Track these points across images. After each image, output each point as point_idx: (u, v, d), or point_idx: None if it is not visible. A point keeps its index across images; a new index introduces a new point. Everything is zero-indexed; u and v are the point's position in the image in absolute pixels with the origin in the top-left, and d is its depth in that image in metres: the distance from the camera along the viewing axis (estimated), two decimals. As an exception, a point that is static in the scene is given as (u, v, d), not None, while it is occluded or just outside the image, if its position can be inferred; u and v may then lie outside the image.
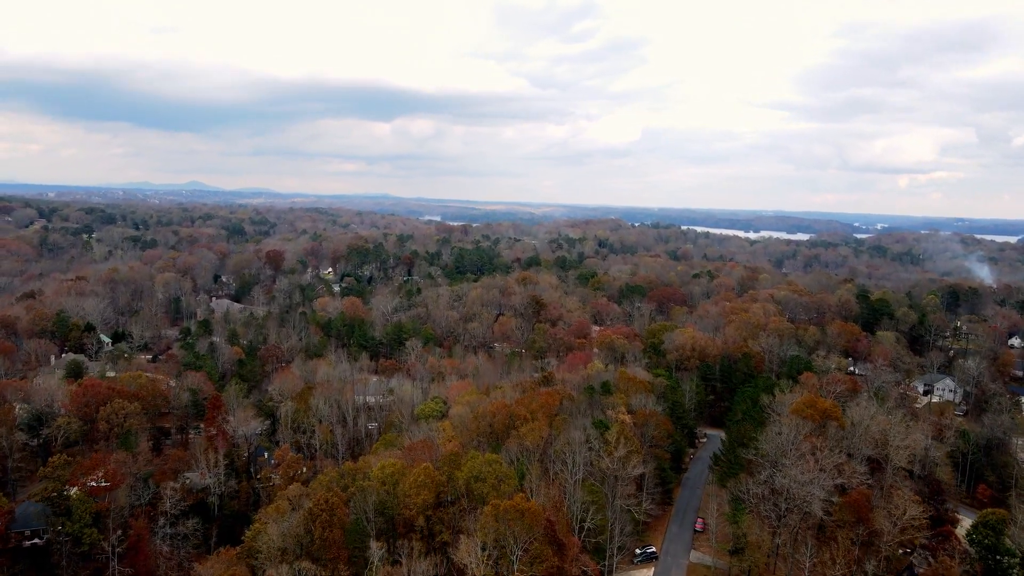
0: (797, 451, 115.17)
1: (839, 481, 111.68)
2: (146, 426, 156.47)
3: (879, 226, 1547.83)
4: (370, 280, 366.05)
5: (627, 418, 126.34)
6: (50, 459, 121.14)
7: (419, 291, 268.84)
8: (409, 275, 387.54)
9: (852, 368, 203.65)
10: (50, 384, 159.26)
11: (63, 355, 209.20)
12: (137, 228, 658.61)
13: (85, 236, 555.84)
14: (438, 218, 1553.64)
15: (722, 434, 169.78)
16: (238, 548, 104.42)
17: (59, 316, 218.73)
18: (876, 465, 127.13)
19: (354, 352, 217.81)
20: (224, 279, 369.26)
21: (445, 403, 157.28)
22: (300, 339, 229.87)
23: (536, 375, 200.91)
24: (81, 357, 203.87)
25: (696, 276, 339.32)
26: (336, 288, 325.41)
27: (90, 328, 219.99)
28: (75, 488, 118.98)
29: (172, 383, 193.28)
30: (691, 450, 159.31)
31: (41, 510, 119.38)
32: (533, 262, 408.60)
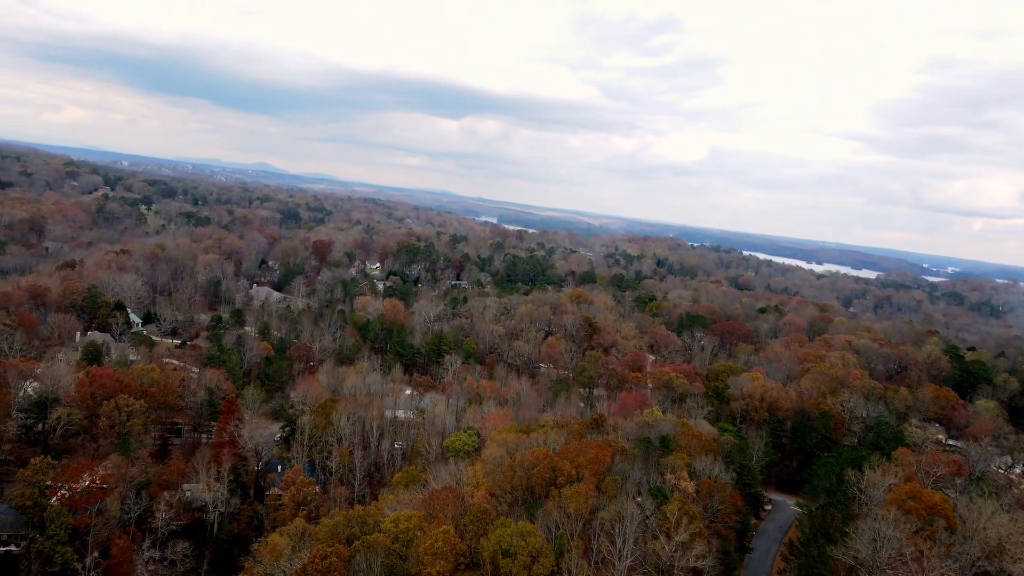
0: (898, 556, 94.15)
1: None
2: (151, 426, 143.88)
3: (950, 269, 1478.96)
4: (417, 281, 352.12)
5: (690, 487, 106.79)
6: (31, 461, 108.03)
7: (465, 300, 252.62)
8: (458, 279, 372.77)
9: (942, 440, 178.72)
10: (59, 368, 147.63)
11: (88, 333, 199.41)
12: (196, 204, 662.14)
13: (143, 207, 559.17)
14: (495, 220, 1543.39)
15: (790, 501, 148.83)
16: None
17: (90, 291, 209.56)
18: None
19: (389, 360, 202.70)
20: (271, 264, 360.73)
21: (479, 436, 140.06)
22: (334, 340, 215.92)
23: (583, 407, 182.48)
24: (105, 337, 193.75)
25: (763, 311, 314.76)
26: (380, 286, 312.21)
27: (120, 307, 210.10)
28: (55, 498, 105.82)
29: (194, 372, 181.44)
30: (755, 520, 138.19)
31: (16, 517, 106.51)
32: (588, 277, 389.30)
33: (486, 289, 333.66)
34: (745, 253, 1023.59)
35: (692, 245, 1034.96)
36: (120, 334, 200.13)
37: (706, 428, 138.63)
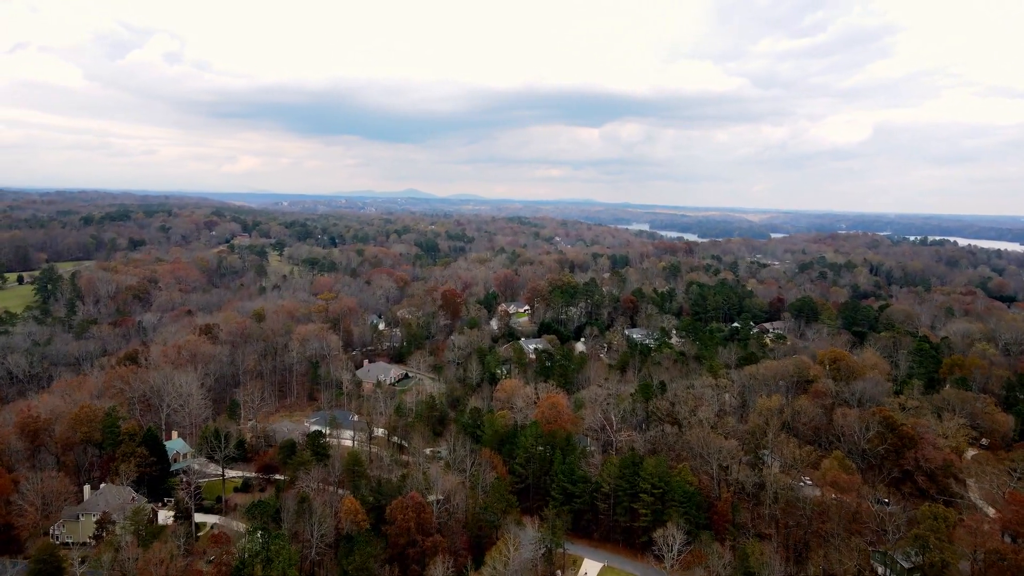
0: None
1: None
2: None
3: None
4: (579, 332, 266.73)
5: None
6: None
7: (663, 388, 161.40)
8: (632, 323, 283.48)
9: None
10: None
11: (102, 486, 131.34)
12: (334, 243, 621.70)
13: (275, 252, 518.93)
14: (646, 226, 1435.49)
15: None
16: None
17: (107, 418, 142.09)
18: None
19: (554, 521, 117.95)
20: (398, 314, 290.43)
21: None
22: (465, 473, 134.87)
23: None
24: (122, 494, 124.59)
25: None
26: (530, 348, 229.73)
27: (150, 437, 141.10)
28: None
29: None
30: None
31: None
32: (806, 308, 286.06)
33: (673, 341, 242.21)
34: (961, 242, 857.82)
35: (892, 241, 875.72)
36: (146, 486, 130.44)
37: None
